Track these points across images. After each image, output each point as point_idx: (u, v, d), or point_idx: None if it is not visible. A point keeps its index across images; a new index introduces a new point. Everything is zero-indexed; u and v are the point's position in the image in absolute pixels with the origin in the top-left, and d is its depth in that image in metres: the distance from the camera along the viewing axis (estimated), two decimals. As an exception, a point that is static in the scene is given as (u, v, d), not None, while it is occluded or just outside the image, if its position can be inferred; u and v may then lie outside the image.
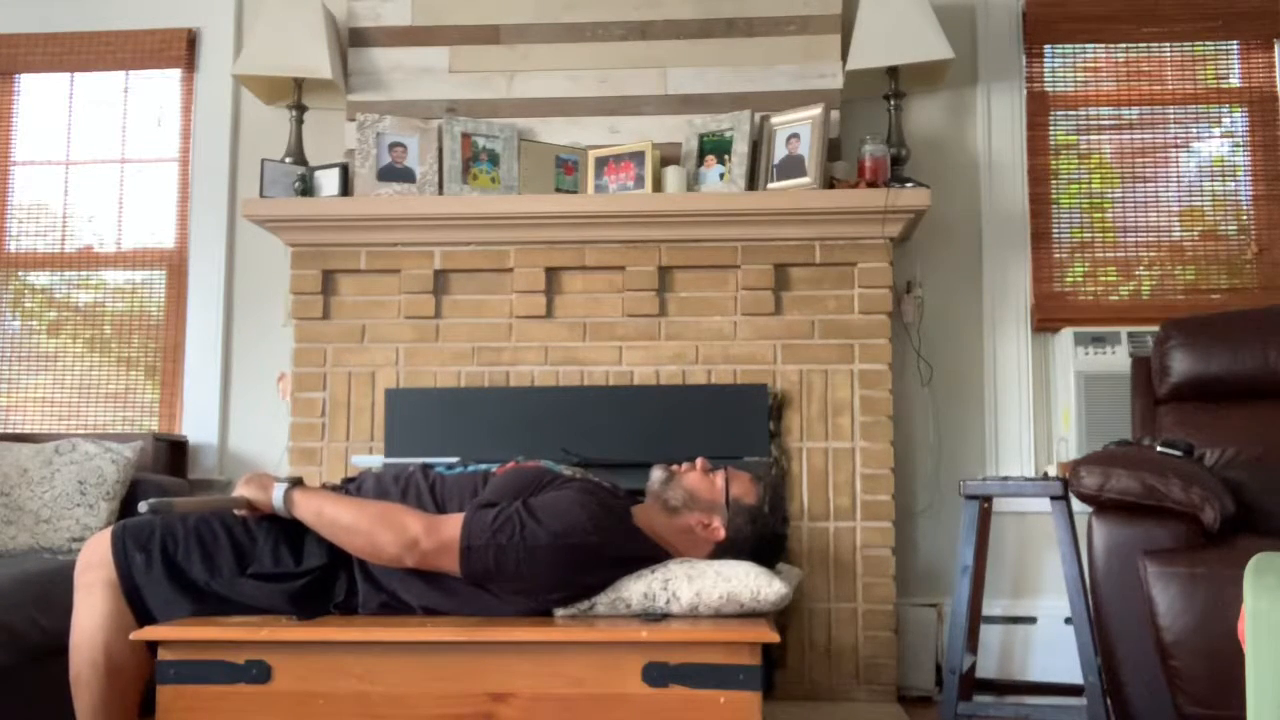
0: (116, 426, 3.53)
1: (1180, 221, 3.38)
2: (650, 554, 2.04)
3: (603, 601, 1.96)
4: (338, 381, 3.15)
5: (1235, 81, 3.43)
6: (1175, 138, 3.42)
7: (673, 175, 3.10)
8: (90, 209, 3.65)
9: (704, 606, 1.94)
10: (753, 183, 3.10)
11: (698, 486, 2.11)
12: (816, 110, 3.05)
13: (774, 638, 1.76)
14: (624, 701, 1.76)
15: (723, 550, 2.08)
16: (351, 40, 3.30)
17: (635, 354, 3.11)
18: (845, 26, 3.22)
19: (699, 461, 2.16)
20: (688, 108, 3.22)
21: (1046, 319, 3.31)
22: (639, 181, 3.10)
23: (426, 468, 2.18)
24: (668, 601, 1.94)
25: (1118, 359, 3.12)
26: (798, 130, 3.07)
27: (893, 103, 3.21)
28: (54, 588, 2.36)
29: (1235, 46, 3.42)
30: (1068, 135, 3.43)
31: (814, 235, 3.07)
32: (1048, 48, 3.45)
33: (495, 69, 3.28)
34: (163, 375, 3.54)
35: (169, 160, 3.63)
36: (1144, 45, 3.43)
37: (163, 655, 1.81)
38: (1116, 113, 3.43)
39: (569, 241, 3.11)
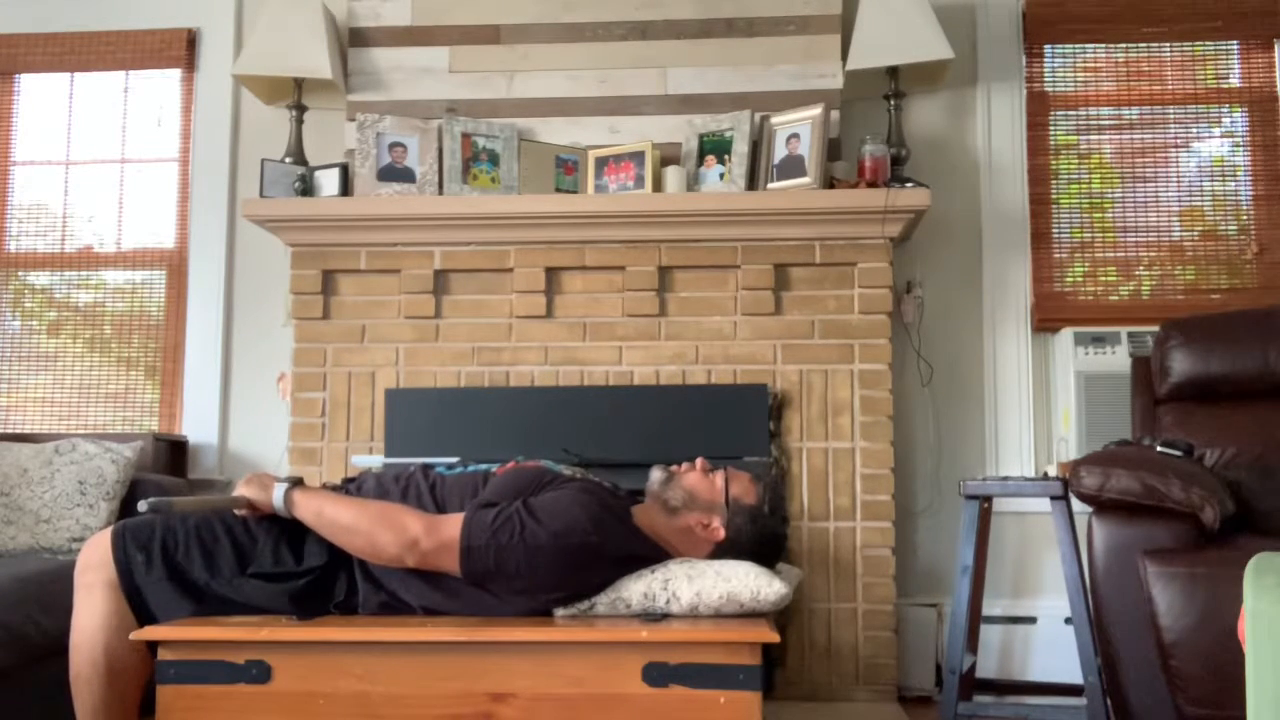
0: (116, 426, 3.53)
1: (1180, 221, 3.38)
2: (650, 554, 2.04)
3: (603, 601, 1.96)
4: (338, 381, 3.15)
5: (1235, 81, 3.43)
6: (1175, 138, 3.42)
7: (673, 175, 3.10)
8: (90, 209, 3.65)
9: (704, 606, 1.94)
10: (753, 183, 3.10)
11: (697, 487, 2.11)
12: (816, 110, 3.05)
13: (774, 638, 1.76)
14: (624, 701, 1.76)
15: (722, 550, 2.08)
16: (351, 40, 3.30)
17: (635, 354, 3.11)
18: (845, 26, 3.22)
19: (698, 462, 2.16)
20: (688, 108, 3.22)
21: (1046, 319, 3.31)
22: (639, 181, 3.10)
23: (427, 468, 2.18)
24: (668, 601, 1.94)
25: (1118, 359, 3.12)
26: (798, 130, 3.07)
27: (893, 103, 3.21)
28: (54, 588, 2.36)
29: (1235, 46, 3.42)
30: (1068, 135, 3.43)
31: (814, 235, 3.07)
32: (1048, 48, 3.45)
33: (495, 69, 3.28)
34: (163, 375, 3.54)
35: (169, 160, 3.63)
36: (1144, 45, 3.43)
37: (163, 655, 1.81)
38: (1116, 113, 3.43)
39: (569, 241, 3.11)
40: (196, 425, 3.44)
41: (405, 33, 3.29)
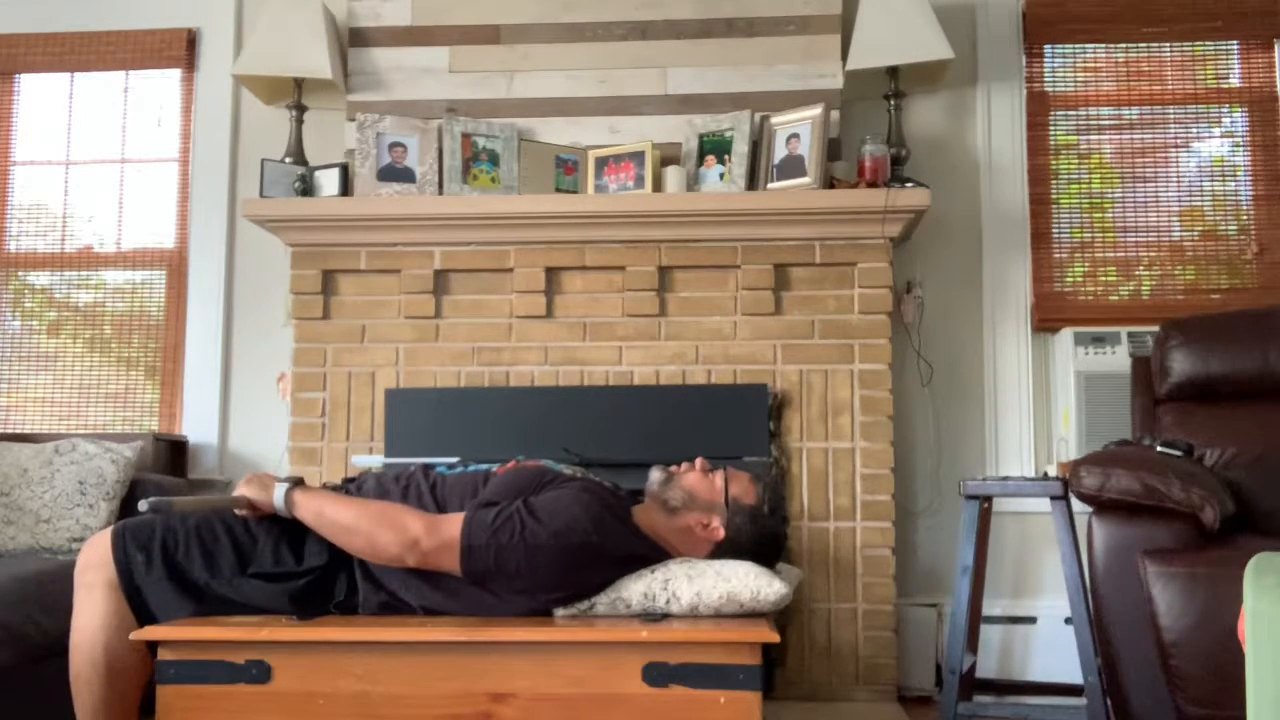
0: (116, 426, 3.53)
1: (1180, 221, 3.38)
2: (650, 554, 2.04)
3: (603, 601, 1.96)
4: (338, 381, 3.15)
5: (1235, 81, 3.43)
6: (1175, 138, 3.42)
7: (673, 175, 3.10)
8: (90, 209, 3.65)
9: (704, 606, 1.94)
10: (753, 183, 3.10)
11: (697, 487, 2.11)
12: (816, 110, 3.05)
13: (774, 638, 1.76)
14: (624, 701, 1.76)
15: (722, 550, 2.08)
16: (351, 40, 3.30)
17: (635, 354, 3.11)
18: (845, 26, 3.22)
19: (698, 462, 2.17)
20: (688, 108, 3.22)
21: (1046, 319, 3.31)
22: (639, 181, 3.10)
23: (427, 468, 2.19)
24: (668, 601, 1.94)
25: (1118, 359, 3.12)
26: (798, 130, 3.07)
27: (893, 103, 3.21)
28: (54, 588, 2.36)
29: (1235, 46, 3.42)
30: (1068, 135, 3.43)
31: (814, 235, 3.07)
32: (1048, 48, 3.45)
33: (495, 69, 3.28)
34: (163, 375, 3.54)
35: (169, 160, 3.63)
36: (1144, 45, 3.43)
37: (163, 655, 1.81)
38: (1116, 113, 3.43)
39: (569, 241, 3.11)
40: (196, 425, 3.44)
41: (405, 33, 3.29)
